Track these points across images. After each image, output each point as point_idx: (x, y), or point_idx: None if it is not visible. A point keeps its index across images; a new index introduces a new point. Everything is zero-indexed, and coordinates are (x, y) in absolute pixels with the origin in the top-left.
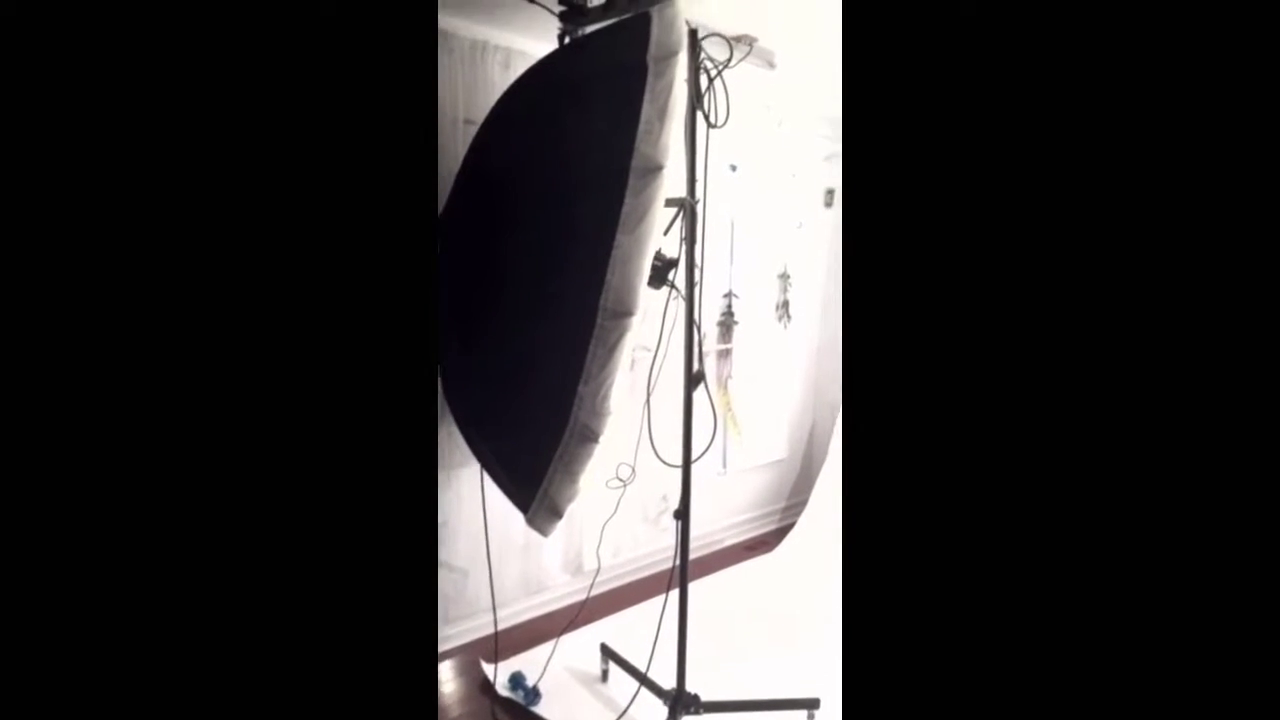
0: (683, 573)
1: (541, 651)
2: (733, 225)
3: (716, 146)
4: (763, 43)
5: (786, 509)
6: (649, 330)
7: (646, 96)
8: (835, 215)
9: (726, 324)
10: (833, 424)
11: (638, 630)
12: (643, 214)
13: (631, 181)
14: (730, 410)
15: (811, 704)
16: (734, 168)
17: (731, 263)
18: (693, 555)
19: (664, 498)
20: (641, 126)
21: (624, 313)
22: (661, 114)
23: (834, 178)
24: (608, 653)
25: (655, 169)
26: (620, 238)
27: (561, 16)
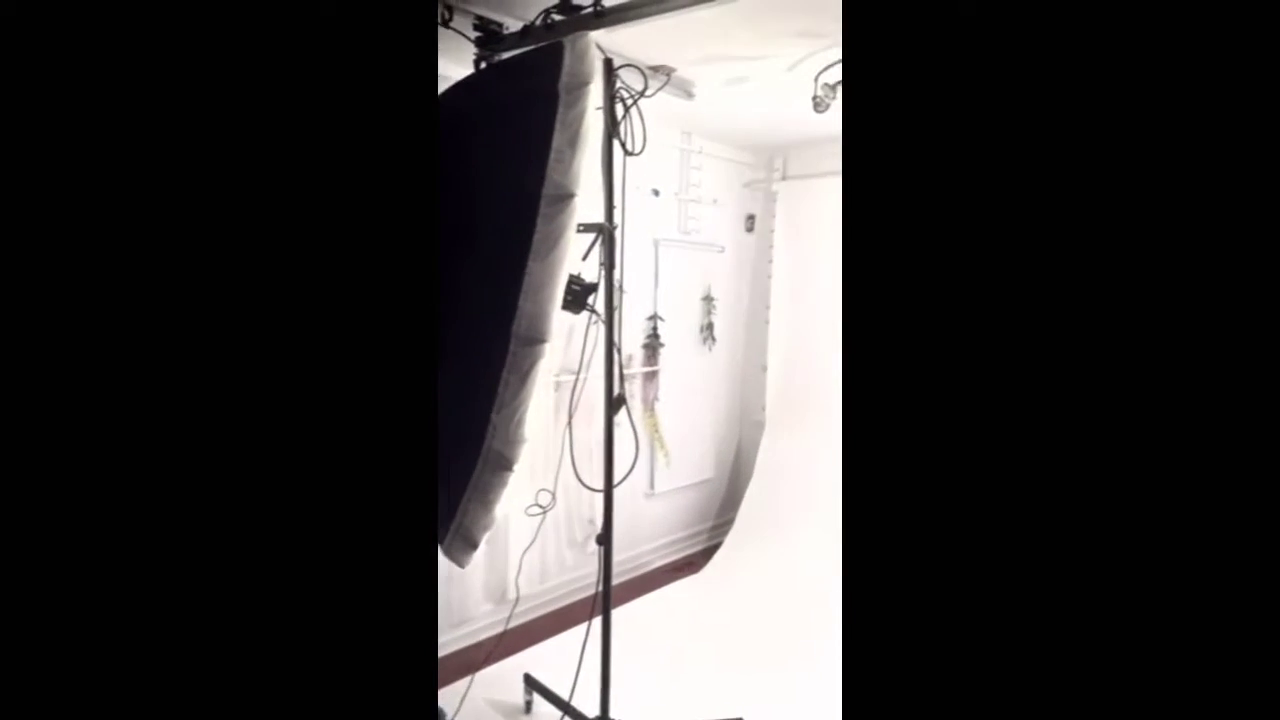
0: (605, 598)
1: (465, 685)
2: (657, 249)
3: (641, 172)
4: (682, 73)
5: (714, 528)
6: (573, 354)
7: (558, 125)
8: (756, 239)
9: (652, 346)
10: (758, 442)
11: (563, 658)
12: (554, 241)
13: (542, 209)
14: (658, 432)
15: None
16: (657, 192)
17: (656, 286)
18: (621, 578)
19: (591, 521)
20: (552, 155)
21: (537, 339)
22: (573, 142)
23: (755, 204)
24: (531, 683)
25: (566, 197)
26: (532, 265)
27: (477, 42)
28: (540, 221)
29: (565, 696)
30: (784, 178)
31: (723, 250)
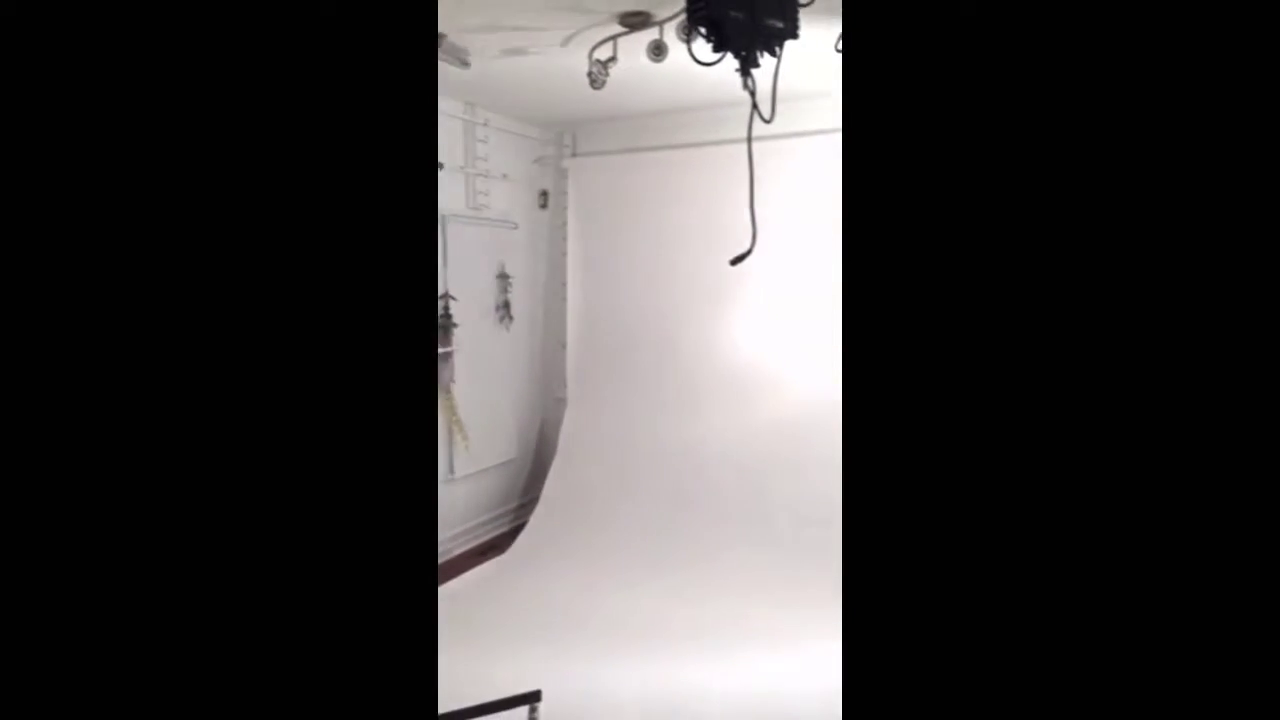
0: None
1: None
2: (444, 225)
3: None
4: (454, 40)
5: (520, 508)
6: None
7: None
8: (550, 216)
9: (445, 327)
10: (560, 419)
11: None
12: None
13: None
14: (455, 415)
15: (533, 697)
16: (441, 165)
17: (446, 264)
18: None
19: None
20: None
21: None
22: None
23: (547, 180)
24: None
25: None
26: None
27: None
28: None
29: None
30: (574, 154)
31: (516, 227)
